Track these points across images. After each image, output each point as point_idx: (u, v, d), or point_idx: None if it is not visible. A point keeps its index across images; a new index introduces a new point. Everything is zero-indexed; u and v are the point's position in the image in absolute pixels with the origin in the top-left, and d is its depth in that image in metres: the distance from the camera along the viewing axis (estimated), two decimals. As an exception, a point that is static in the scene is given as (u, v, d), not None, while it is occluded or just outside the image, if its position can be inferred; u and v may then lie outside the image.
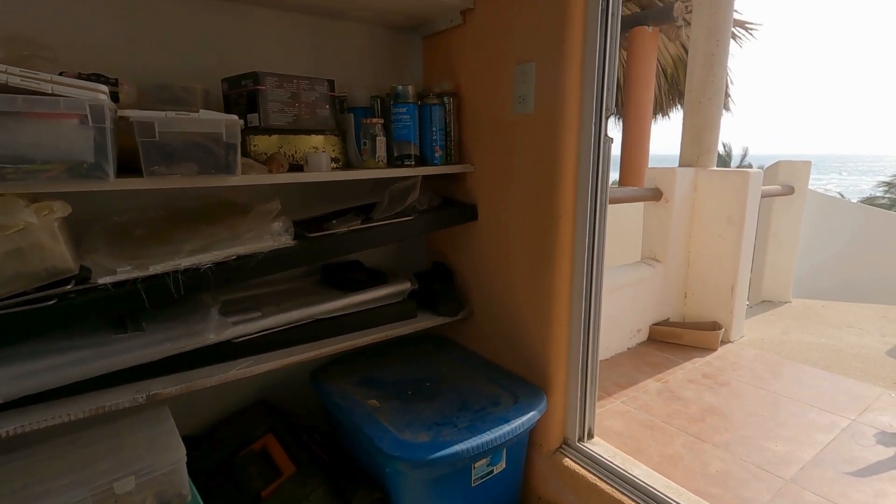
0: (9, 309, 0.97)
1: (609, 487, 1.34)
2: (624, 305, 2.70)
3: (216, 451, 1.43)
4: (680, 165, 2.97)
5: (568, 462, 1.45)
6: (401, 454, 1.16)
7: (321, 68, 1.59)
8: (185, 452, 1.02)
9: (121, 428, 1.09)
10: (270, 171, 1.26)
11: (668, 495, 1.26)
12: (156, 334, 1.16)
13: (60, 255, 1.03)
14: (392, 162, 1.49)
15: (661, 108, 5.45)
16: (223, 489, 1.29)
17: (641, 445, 1.87)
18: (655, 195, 2.89)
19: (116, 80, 1.08)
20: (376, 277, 1.60)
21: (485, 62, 1.51)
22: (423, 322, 1.61)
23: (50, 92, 0.91)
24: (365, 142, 1.42)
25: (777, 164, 3.52)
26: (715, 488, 1.62)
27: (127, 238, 1.23)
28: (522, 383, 1.49)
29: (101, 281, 1.04)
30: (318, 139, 1.41)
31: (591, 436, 1.51)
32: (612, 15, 1.24)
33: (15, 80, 0.87)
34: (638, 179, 4.01)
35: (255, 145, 1.33)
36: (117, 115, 1.00)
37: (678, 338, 2.82)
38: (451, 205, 1.64)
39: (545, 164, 1.37)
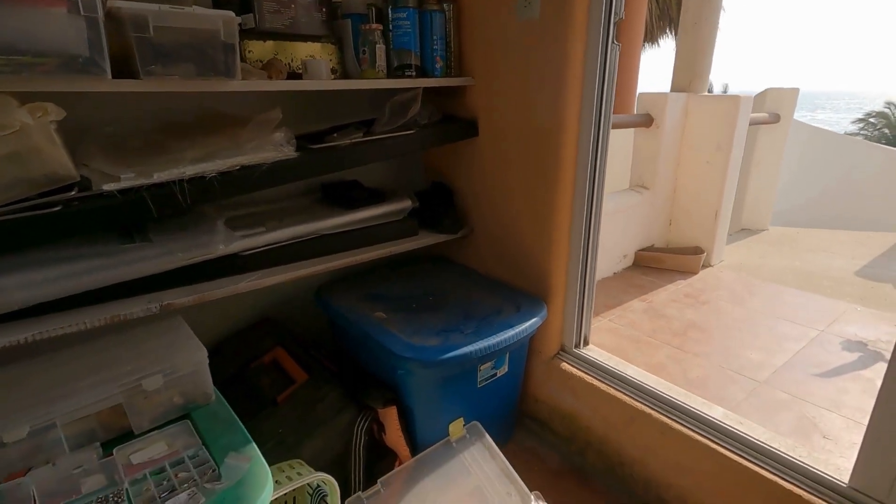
0: (12, 215, 0.94)
1: (605, 386, 1.44)
2: (611, 231, 2.76)
3: (227, 363, 1.47)
4: (671, 91, 2.94)
5: (565, 366, 1.54)
6: (413, 355, 1.22)
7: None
8: (207, 354, 1.04)
9: (138, 335, 1.11)
10: (270, 78, 1.21)
11: (660, 389, 1.36)
12: (164, 245, 1.15)
13: (60, 159, 0.99)
14: (392, 72, 1.44)
15: (651, 36, 5.29)
16: (240, 394, 1.34)
17: (629, 357, 1.99)
18: (646, 121, 2.88)
19: (101, -31, 1.00)
20: (376, 196, 1.60)
21: (487, -35, 1.44)
22: (425, 239, 1.63)
23: (34, -26, 0.84)
24: (364, 50, 1.37)
25: (765, 92, 3.52)
26: (696, 390, 1.75)
27: (121, 149, 1.19)
28: (523, 294, 1.54)
29: (105, 188, 1.01)
30: (314, 47, 1.35)
31: (586, 343, 1.60)
32: None
33: (-5, -41, 0.80)
34: (627, 106, 3.97)
35: (249, 51, 1.26)
36: (107, 5, 0.93)
37: (662, 262, 2.93)
38: (452, 120, 1.61)
39: (550, 73, 1.34)
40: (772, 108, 3.48)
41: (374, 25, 1.35)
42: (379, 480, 1.26)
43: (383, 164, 1.81)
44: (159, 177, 1.07)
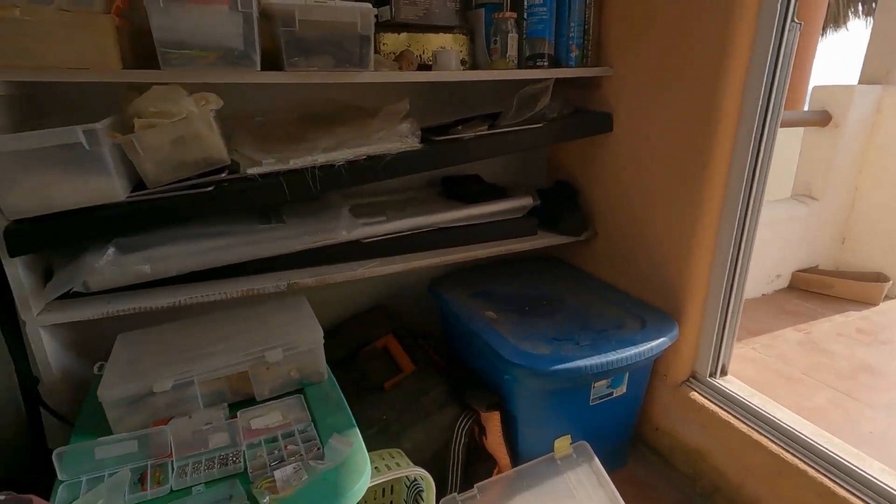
0: (176, 192, 1.07)
1: (744, 426, 1.23)
2: (764, 246, 2.37)
3: (342, 345, 1.54)
4: (860, 83, 2.43)
5: (696, 396, 1.35)
6: (521, 362, 1.15)
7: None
8: (323, 335, 1.09)
9: (266, 309, 1.20)
10: (401, 69, 1.22)
11: (820, 442, 1.12)
12: (295, 228, 1.23)
13: (216, 145, 1.10)
14: (523, 63, 1.37)
15: (833, 17, 4.44)
16: (350, 377, 1.39)
17: (776, 395, 1.68)
18: (821, 119, 2.43)
19: (258, -31, 1.08)
20: (496, 191, 1.55)
21: (638, -59, 1.29)
22: (543, 240, 1.54)
23: (204, -25, 0.92)
24: (495, 39, 1.32)
25: None
26: (870, 450, 1.42)
27: (267, 137, 1.29)
28: (650, 309, 1.38)
29: (250, 171, 1.10)
30: (446, 38, 1.34)
31: (724, 373, 1.38)
32: None
33: (175, -37, 0.90)
34: (796, 101, 3.37)
35: (384, 44, 1.29)
36: (262, 2, 1.01)
37: (829, 287, 2.45)
38: (584, 114, 1.49)
39: (705, 57, 1.16)
40: None
41: (508, 14, 1.30)
42: (476, 485, 1.22)
43: (506, 160, 1.75)
44: (294, 163, 1.13)
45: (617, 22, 1.39)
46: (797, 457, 1.13)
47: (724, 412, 1.29)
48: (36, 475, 1.03)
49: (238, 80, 1.02)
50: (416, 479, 1.14)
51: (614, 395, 1.31)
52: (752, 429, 1.22)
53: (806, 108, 2.58)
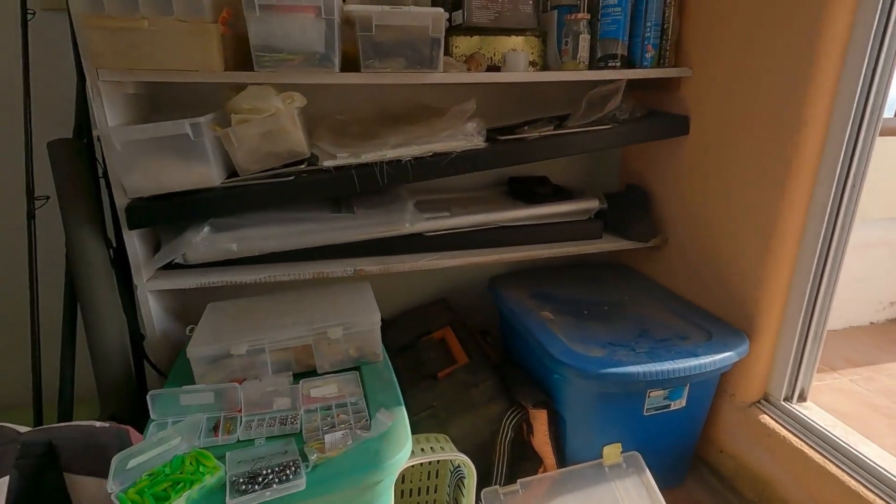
0: (262, 180, 1.20)
1: (820, 457, 1.12)
2: (873, 269, 2.12)
3: (403, 333, 1.62)
4: None
5: (767, 420, 1.25)
6: (570, 362, 1.14)
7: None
8: (380, 318, 1.16)
9: (333, 291, 1.30)
10: (469, 70, 1.27)
11: (911, 485, 1.00)
12: (363, 218, 1.32)
13: (298, 139, 1.22)
14: (594, 64, 1.36)
15: None
16: (407, 364, 1.46)
17: (871, 433, 1.50)
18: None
19: (343, -21, 1.18)
20: (562, 193, 1.54)
21: (725, -64, 1.24)
22: (609, 244, 1.51)
23: (295, -14, 1.04)
24: (566, 40, 1.32)
25: None
26: None
27: (345, 133, 1.40)
28: (719, 322, 1.30)
29: (325, 164, 1.21)
30: (517, 40, 1.36)
31: (802, 398, 1.27)
32: None
33: (271, -23, 1.02)
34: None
35: (456, 47, 1.34)
36: (343, 10, 1.10)
37: (955, 320, 2.13)
38: (658, 116, 1.45)
39: (793, 56, 1.08)
40: None
41: (581, 15, 1.30)
42: (519, 481, 1.23)
43: (575, 162, 1.73)
44: (365, 157, 1.22)
45: (699, 20, 1.34)
46: (881, 497, 1.01)
47: (799, 441, 1.18)
48: (136, 415, 1.21)
49: (319, 80, 1.12)
50: (458, 466, 1.17)
51: (672, 407, 1.25)
52: (830, 461, 1.11)
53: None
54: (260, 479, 0.81)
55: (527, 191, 1.56)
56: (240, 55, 1.14)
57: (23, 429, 0.84)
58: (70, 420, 1.20)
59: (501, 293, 1.52)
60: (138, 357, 1.28)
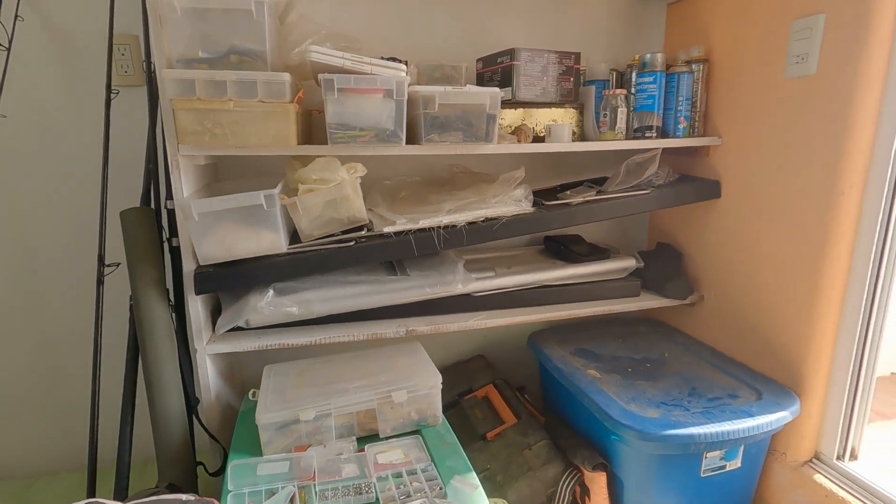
0: (326, 246, 1.24)
1: (883, 519, 1.13)
2: None
3: (445, 392, 1.61)
4: None
5: (821, 479, 1.25)
6: (631, 424, 1.16)
7: (560, 44, 1.62)
8: (441, 379, 1.18)
9: (388, 353, 1.32)
10: (518, 141, 1.35)
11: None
12: (417, 280, 1.36)
13: (359, 206, 1.28)
14: (631, 134, 1.46)
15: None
16: (453, 424, 1.46)
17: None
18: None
19: (406, 61, 1.28)
20: (599, 252, 1.60)
21: (746, 22, 1.36)
22: (647, 302, 1.56)
23: (370, 72, 1.13)
24: (605, 113, 1.42)
25: None
26: None
27: (395, 198, 1.47)
28: (766, 381, 1.33)
29: (385, 229, 1.26)
30: (558, 111, 1.46)
31: (854, 456, 1.28)
32: (953, -58, 1.00)
33: (348, 64, 1.11)
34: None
35: (502, 118, 1.44)
36: (408, 91, 1.19)
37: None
38: (691, 180, 1.53)
39: (827, 131, 1.18)
40: None
41: (618, 91, 1.40)
42: (579, 547, 1.21)
43: (608, 221, 1.81)
44: (423, 223, 1.28)
45: (725, 97, 1.45)
46: (952, 561, 1.01)
47: (854, 499, 1.19)
48: (191, 483, 1.20)
49: (388, 153, 1.20)
50: (521, 532, 1.16)
51: (728, 468, 1.26)
52: (893, 523, 1.11)
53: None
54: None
55: (565, 250, 1.62)
56: (305, 126, 1.22)
57: (108, 503, 0.83)
58: (126, 486, 1.19)
59: (545, 351, 1.55)
60: (191, 422, 1.28)
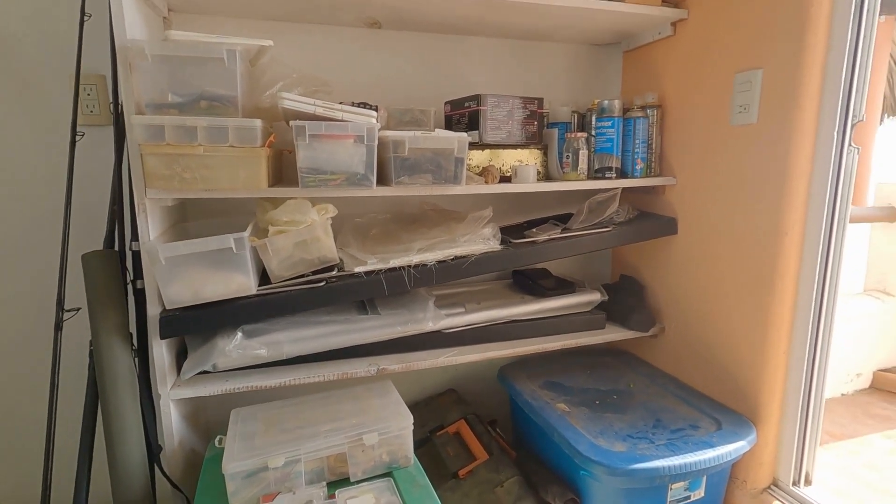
0: (296, 287, 1.24)
1: (837, 544, 1.18)
2: (839, 344, 2.30)
3: (416, 428, 1.61)
4: (927, 180, 2.45)
5: (779, 506, 1.31)
6: (599, 459, 1.18)
7: (524, 87, 1.70)
8: (412, 420, 1.18)
9: (357, 393, 1.31)
10: (486, 182, 1.40)
11: (925, 569, 1.06)
12: (388, 318, 1.37)
13: (329, 247, 1.29)
14: (592, 174, 1.53)
15: (890, 107, 4.48)
16: (425, 462, 1.45)
17: (871, 510, 1.59)
18: (888, 215, 2.43)
19: (376, 106, 1.32)
20: (566, 286, 1.65)
21: (695, 73, 1.47)
22: (612, 334, 1.61)
23: (341, 118, 1.16)
24: (567, 155, 1.49)
25: None
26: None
27: (366, 236, 1.48)
28: (725, 410, 1.39)
29: (356, 269, 1.27)
30: (523, 153, 1.52)
31: (808, 482, 1.34)
32: (869, 10, 1.12)
33: (319, 111, 1.14)
34: (860, 196, 3.36)
35: (470, 159, 1.48)
36: (378, 136, 1.22)
37: (917, 390, 2.31)
38: (649, 217, 1.61)
39: (769, 176, 1.27)
40: None
41: (580, 134, 1.47)
42: (551, 585, 1.21)
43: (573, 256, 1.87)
44: (394, 263, 1.30)
45: (678, 140, 1.54)
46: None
47: (812, 526, 1.24)
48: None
49: (358, 194, 1.22)
50: (494, 574, 1.16)
51: (692, 498, 1.29)
52: (846, 547, 1.17)
53: (871, 204, 2.58)
54: None
55: (532, 284, 1.66)
56: (276, 166, 1.23)
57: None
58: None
59: (516, 385, 1.57)
60: (152, 471, 1.23)
